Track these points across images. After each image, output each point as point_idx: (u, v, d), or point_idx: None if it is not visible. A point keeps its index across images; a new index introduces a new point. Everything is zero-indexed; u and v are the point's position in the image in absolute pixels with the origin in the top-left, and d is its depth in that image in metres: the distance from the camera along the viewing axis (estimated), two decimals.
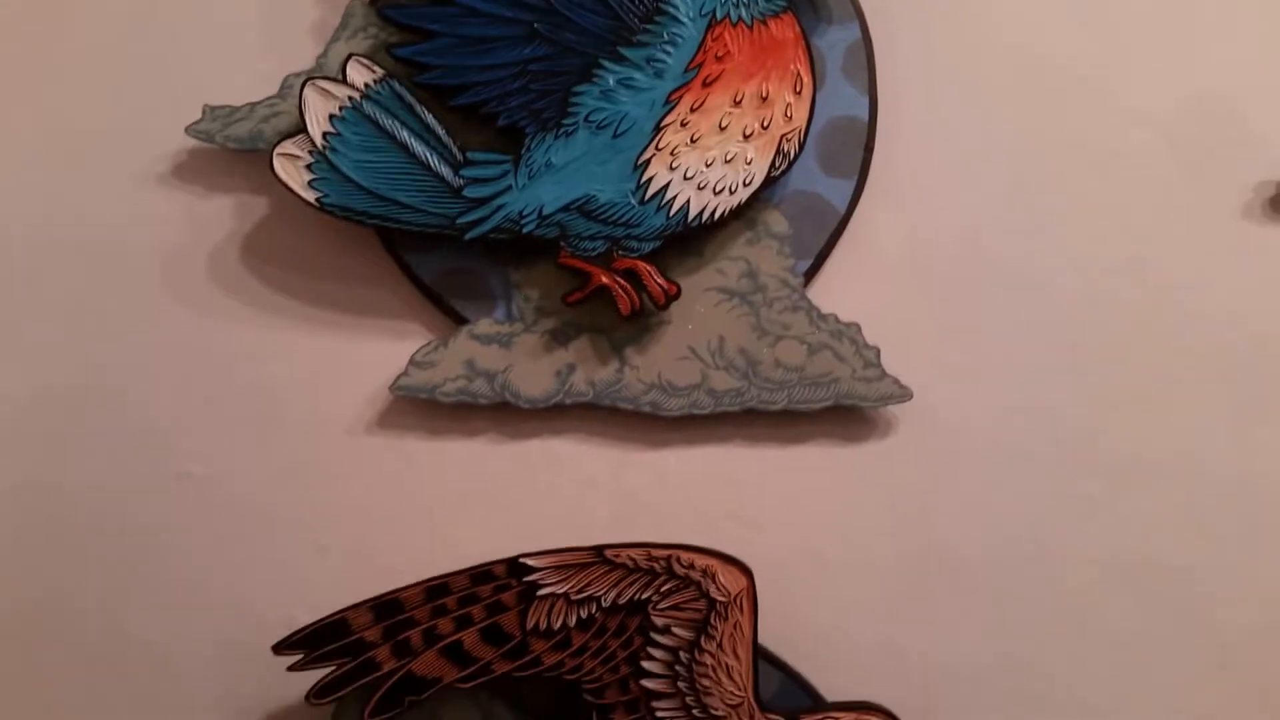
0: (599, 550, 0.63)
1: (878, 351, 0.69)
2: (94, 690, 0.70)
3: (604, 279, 0.67)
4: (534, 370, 0.70)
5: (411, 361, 0.70)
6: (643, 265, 0.67)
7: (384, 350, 0.71)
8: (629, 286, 0.67)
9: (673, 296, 0.67)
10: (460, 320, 0.71)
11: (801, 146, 0.68)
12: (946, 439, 0.70)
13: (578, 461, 0.71)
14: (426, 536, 0.70)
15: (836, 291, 0.71)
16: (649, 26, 0.67)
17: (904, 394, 0.68)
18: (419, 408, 0.71)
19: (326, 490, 0.71)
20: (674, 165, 0.66)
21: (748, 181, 0.67)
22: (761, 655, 0.65)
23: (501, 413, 0.71)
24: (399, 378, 0.70)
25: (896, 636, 0.69)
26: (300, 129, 0.67)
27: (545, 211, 0.67)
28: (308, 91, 0.67)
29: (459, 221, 0.67)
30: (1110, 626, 0.69)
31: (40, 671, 0.70)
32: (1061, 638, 0.69)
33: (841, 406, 0.69)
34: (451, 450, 0.72)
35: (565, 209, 0.67)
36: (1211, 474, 0.70)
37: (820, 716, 0.62)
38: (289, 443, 0.72)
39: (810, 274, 0.71)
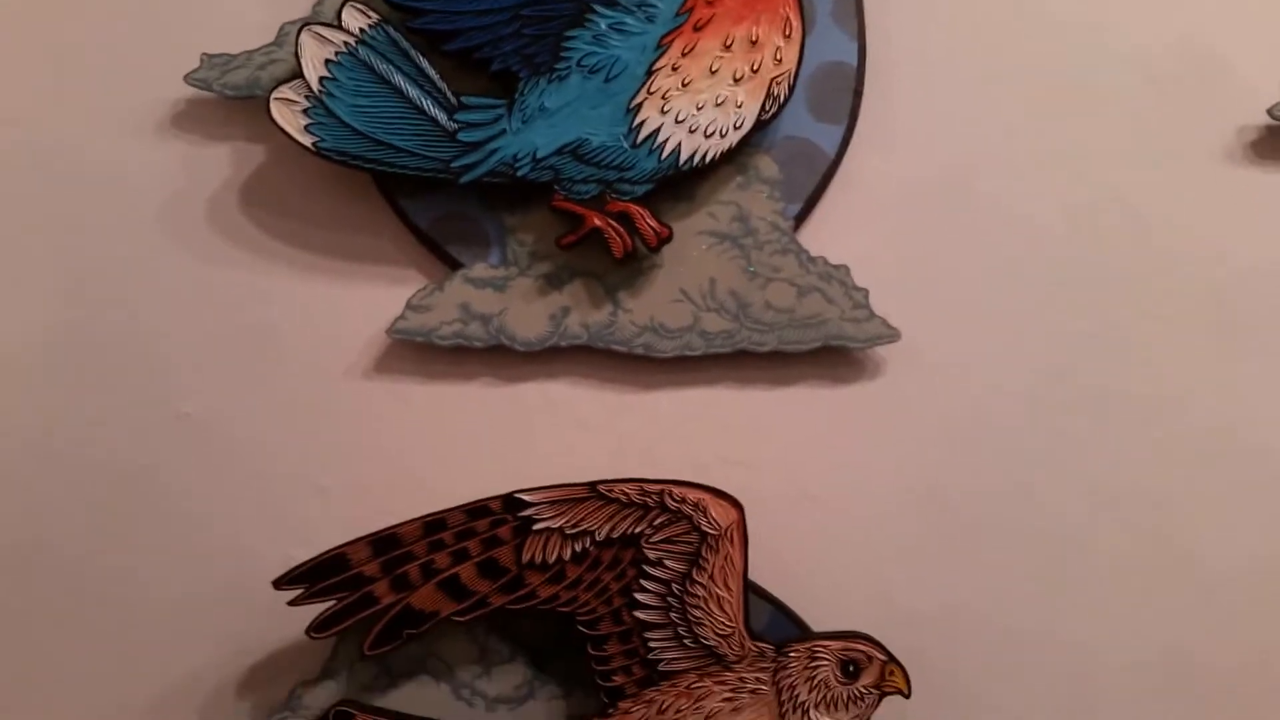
0: (593, 486, 0.65)
1: (866, 293, 0.70)
2: (94, 628, 0.71)
3: (597, 221, 0.68)
4: (528, 313, 0.71)
5: (408, 305, 0.71)
6: (635, 208, 0.68)
7: (381, 295, 0.72)
8: (621, 229, 0.68)
9: (664, 239, 0.69)
10: (455, 265, 0.72)
11: (791, 90, 0.69)
12: (934, 379, 0.72)
13: (571, 404, 0.73)
14: (424, 477, 0.71)
15: (826, 235, 0.72)
16: None
17: (892, 335, 0.70)
18: (416, 351, 0.72)
19: (325, 432, 0.73)
20: (665, 109, 0.67)
21: (738, 125, 0.68)
22: (752, 590, 0.66)
23: (497, 356, 0.72)
24: (396, 321, 0.71)
25: (884, 573, 0.70)
26: (297, 75, 0.68)
27: (539, 155, 0.68)
28: (304, 37, 0.67)
29: (453, 165, 0.68)
30: (1095, 561, 0.71)
31: (40, 609, 0.71)
32: (1045, 572, 0.70)
33: (830, 348, 0.70)
34: (448, 393, 0.73)
35: (558, 152, 0.68)
36: (1195, 409, 0.72)
37: (808, 644, 0.64)
38: (288, 385, 0.73)
39: (800, 218, 0.72)
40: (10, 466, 0.72)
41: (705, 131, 0.68)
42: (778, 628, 0.67)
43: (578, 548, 0.64)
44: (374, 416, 0.73)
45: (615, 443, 0.72)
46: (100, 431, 0.72)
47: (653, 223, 0.68)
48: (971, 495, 0.71)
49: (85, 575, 0.71)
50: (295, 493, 0.72)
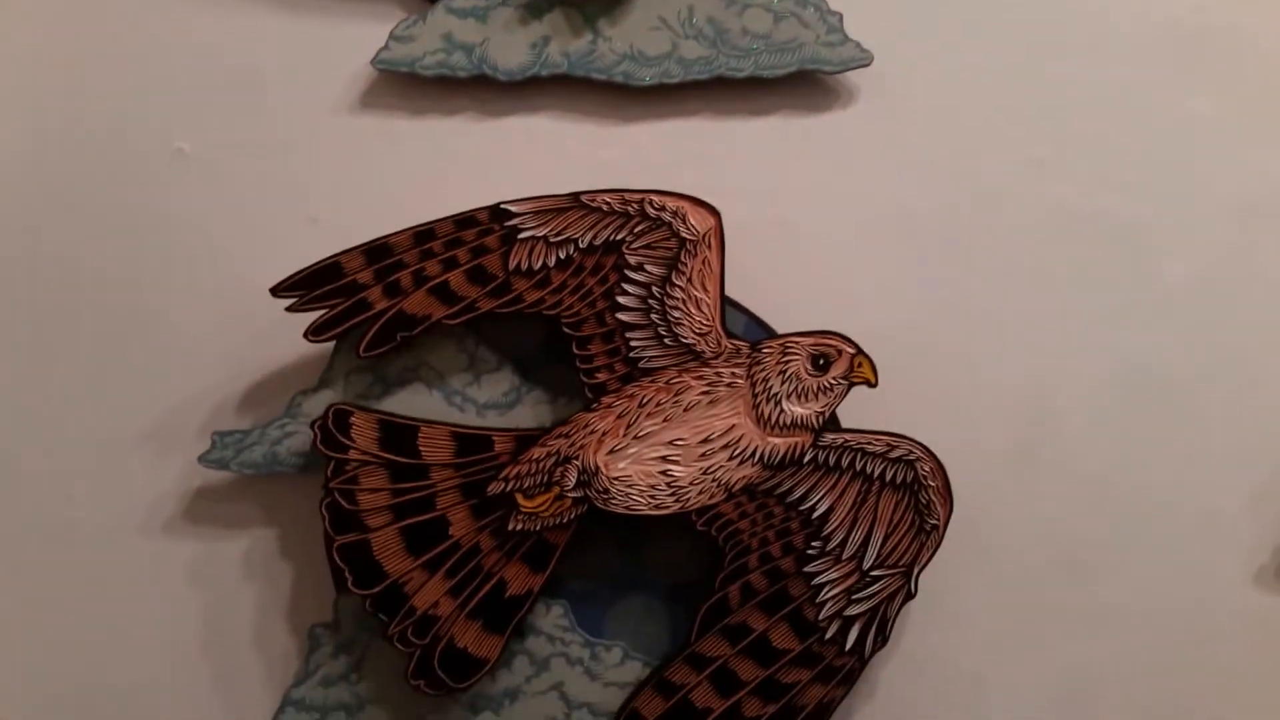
0: (575, 196, 0.67)
1: (840, 17, 0.72)
2: (96, 351, 0.74)
3: None
4: (510, 43, 0.72)
5: (391, 36, 0.72)
6: None
7: (364, 31, 0.74)
8: None
9: None
10: None
11: None
12: (905, 106, 0.74)
13: (553, 136, 0.75)
14: (410, 208, 0.72)
15: None
16: None
17: (864, 58, 0.72)
18: (400, 86, 0.74)
19: (314, 166, 0.75)
20: None
21: None
22: (728, 304, 0.69)
23: (480, 89, 0.74)
24: (379, 52, 0.72)
25: (856, 290, 0.73)
26: None
27: None
28: None
29: None
30: (1057, 276, 0.74)
31: (44, 334, 0.74)
32: (1011, 288, 0.74)
33: (805, 72, 0.72)
34: (433, 126, 0.75)
35: None
36: (1152, 128, 0.74)
37: (781, 340, 0.67)
38: (277, 122, 0.75)
39: None
40: (12, 202, 0.75)
41: None
42: (752, 333, 0.70)
43: (562, 255, 0.67)
44: (362, 150, 0.75)
45: (595, 174, 0.73)
46: (100, 166, 0.74)
47: None
48: (940, 216, 0.74)
49: (87, 302, 0.74)
50: (288, 223, 0.74)
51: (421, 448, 0.67)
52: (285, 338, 0.69)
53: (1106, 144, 0.74)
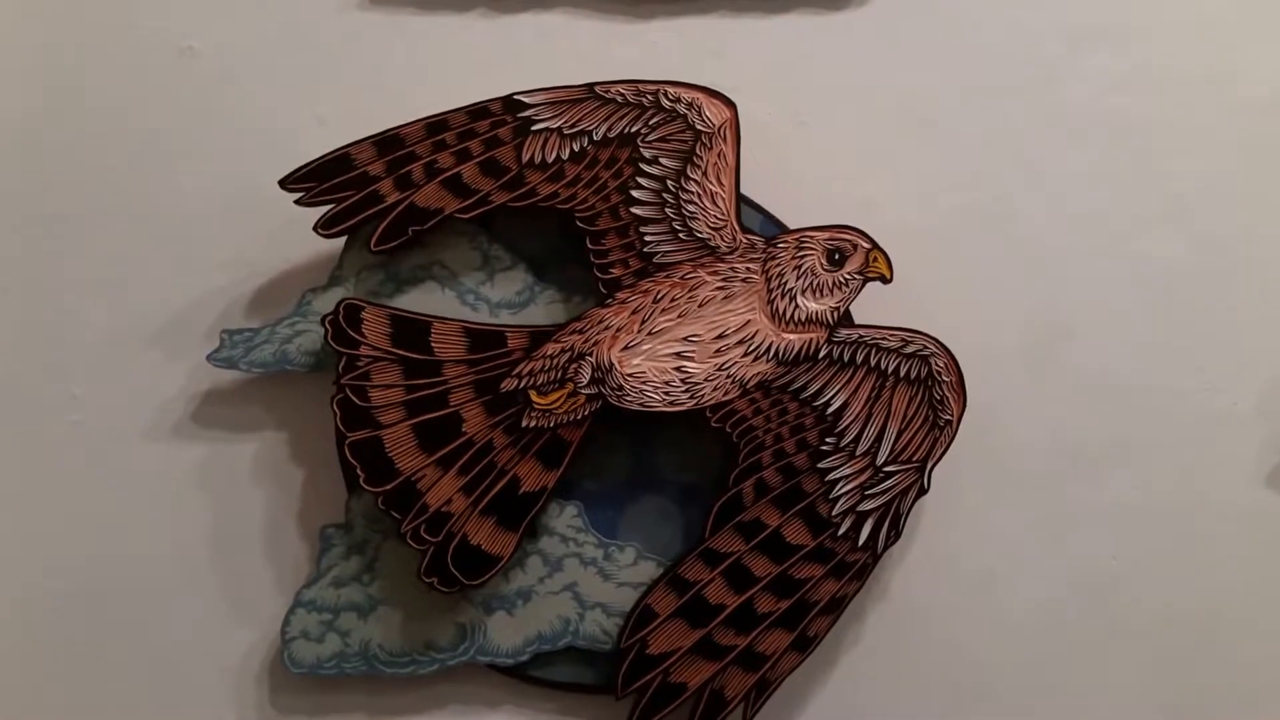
0: (590, 86, 0.66)
1: None
2: (105, 245, 0.73)
3: None
4: None
5: None
6: None
7: None
8: None
9: None
10: None
11: None
12: (921, 3, 0.73)
13: (567, 34, 0.74)
14: (420, 108, 0.72)
15: None
16: None
17: None
18: None
19: (323, 66, 0.74)
20: None
21: None
22: (744, 202, 0.69)
23: None
24: None
25: (870, 190, 0.72)
26: None
27: None
28: None
29: None
30: (1070, 176, 0.73)
31: (54, 230, 0.73)
32: (1024, 187, 0.73)
33: None
34: (444, 24, 0.74)
35: None
36: (1165, 27, 0.74)
37: (796, 235, 0.66)
38: (285, 19, 0.74)
39: None
40: (20, 101, 0.73)
41: None
42: (767, 233, 0.69)
43: (576, 147, 0.67)
44: (372, 49, 0.74)
45: (609, 74, 0.72)
46: (109, 64, 0.73)
47: None
48: (954, 114, 0.73)
49: (94, 200, 0.73)
50: (297, 124, 0.73)
51: (434, 344, 0.67)
52: (295, 236, 0.69)
53: (1119, 44, 0.73)
